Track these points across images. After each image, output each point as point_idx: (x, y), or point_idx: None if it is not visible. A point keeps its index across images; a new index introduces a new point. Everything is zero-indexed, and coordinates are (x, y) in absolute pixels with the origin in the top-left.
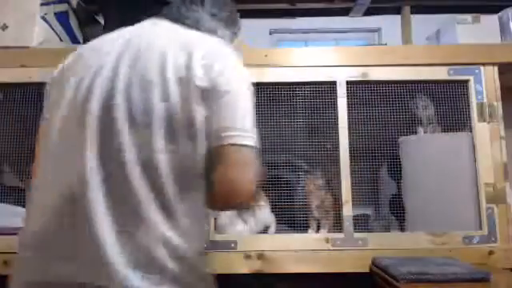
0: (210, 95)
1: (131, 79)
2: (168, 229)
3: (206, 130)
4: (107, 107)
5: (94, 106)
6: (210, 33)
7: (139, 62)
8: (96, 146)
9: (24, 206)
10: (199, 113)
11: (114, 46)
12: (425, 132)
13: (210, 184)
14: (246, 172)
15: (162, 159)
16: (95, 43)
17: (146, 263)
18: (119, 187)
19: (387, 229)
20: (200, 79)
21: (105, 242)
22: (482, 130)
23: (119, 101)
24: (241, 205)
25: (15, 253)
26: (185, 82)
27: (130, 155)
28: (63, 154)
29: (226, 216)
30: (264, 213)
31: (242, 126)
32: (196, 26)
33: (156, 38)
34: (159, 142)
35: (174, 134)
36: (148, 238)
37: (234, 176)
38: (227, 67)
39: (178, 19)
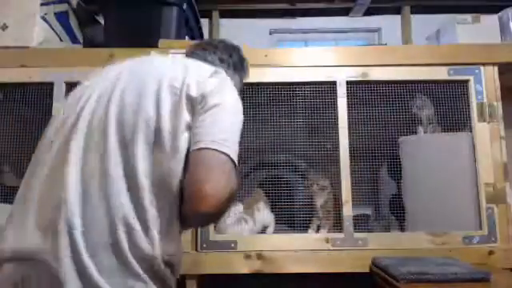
0: (199, 106)
1: (127, 86)
2: (143, 236)
3: (190, 140)
4: (102, 111)
5: (87, 110)
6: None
7: (138, 74)
8: (80, 156)
9: None
10: (185, 120)
11: (118, 67)
12: (425, 132)
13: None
14: (217, 176)
15: (143, 169)
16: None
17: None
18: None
19: (387, 229)
20: (192, 90)
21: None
22: (482, 130)
23: (113, 103)
24: (210, 212)
25: None
26: (178, 92)
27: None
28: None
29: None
30: (263, 213)
31: (222, 137)
32: (197, 53)
33: (159, 60)
34: (141, 151)
35: (159, 144)
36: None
37: (202, 178)
38: (220, 87)
39: (189, 55)
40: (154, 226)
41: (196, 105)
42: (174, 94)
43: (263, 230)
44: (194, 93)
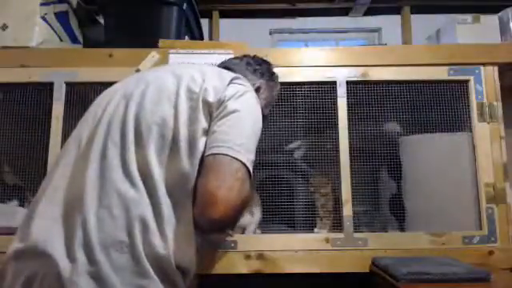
0: (217, 111)
1: (148, 88)
2: (158, 236)
3: (206, 144)
4: (122, 111)
5: (110, 109)
6: (240, 73)
7: (158, 79)
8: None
9: (23, 206)
10: (201, 125)
11: (143, 72)
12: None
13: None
14: (230, 183)
15: (158, 172)
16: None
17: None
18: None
19: (385, 229)
20: (210, 95)
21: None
22: (482, 130)
23: (132, 105)
24: (221, 219)
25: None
26: (195, 97)
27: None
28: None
29: None
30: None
31: (238, 143)
32: (230, 66)
33: (180, 67)
34: (156, 155)
35: (175, 149)
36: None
37: (214, 184)
38: (239, 93)
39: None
40: (169, 228)
41: (213, 110)
42: (191, 99)
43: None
44: (211, 98)
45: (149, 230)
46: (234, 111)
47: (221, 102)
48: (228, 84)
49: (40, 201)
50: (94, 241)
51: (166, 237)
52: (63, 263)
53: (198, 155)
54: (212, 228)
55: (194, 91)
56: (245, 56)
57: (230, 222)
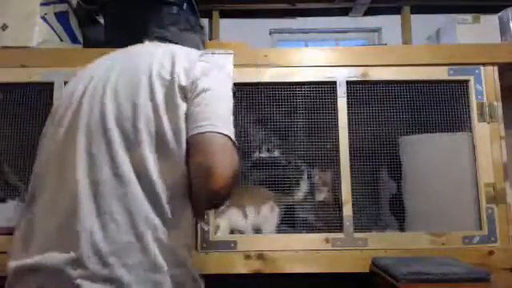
0: (190, 93)
1: (119, 81)
2: (163, 233)
3: (187, 125)
4: (97, 109)
5: (85, 108)
6: (187, 44)
7: (128, 69)
8: (86, 155)
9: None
10: (182, 110)
11: (106, 61)
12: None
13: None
14: (221, 156)
15: (153, 167)
16: (97, 61)
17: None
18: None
19: (385, 229)
20: (182, 80)
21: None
22: (482, 130)
23: (108, 102)
24: (220, 191)
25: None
26: (169, 83)
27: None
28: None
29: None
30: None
31: (219, 118)
32: (176, 40)
33: (148, 51)
34: (147, 150)
35: (163, 140)
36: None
37: (208, 160)
38: (208, 70)
39: (161, 38)
40: (173, 220)
41: (187, 92)
42: (165, 87)
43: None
44: (183, 82)
45: (155, 227)
46: (205, 90)
47: (192, 83)
48: (196, 61)
49: (38, 212)
50: (102, 248)
51: (171, 229)
52: (75, 274)
53: (185, 141)
54: (212, 199)
55: (166, 78)
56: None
57: (227, 193)
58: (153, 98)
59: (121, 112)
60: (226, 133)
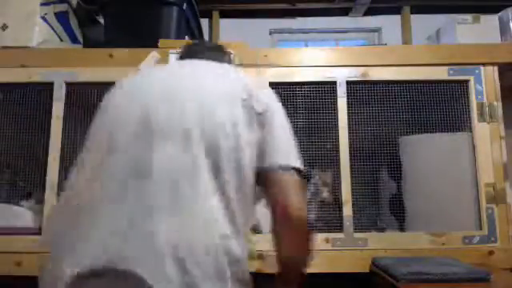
0: (263, 121)
1: (194, 107)
2: (235, 242)
3: (260, 149)
4: (177, 118)
5: (154, 114)
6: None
7: (199, 90)
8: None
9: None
10: (257, 137)
11: (161, 74)
12: None
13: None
14: (300, 197)
15: (229, 181)
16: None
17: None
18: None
19: (385, 229)
20: (258, 107)
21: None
22: (482, 130)
23: (188, 110)
24: (299, 227)
25: (28, 253)
26: (248, 110)
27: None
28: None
29: None
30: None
31: (292, 152)
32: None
33: (207, 70)
34: (226, 165)
35: (238, 153)
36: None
37: (290, 202)
38: (272, 97)
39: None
40: (241, 230)
41: (261, 120)
42: (246, 113)
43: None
44: (260, 109)
45: (227, 237)
46: (275, 119)
47: (265, 110)
48: (261, 88)
49: (98, 213)
50: (181, 253)
51: (240, 241)
52: (154, 280)
53: (252, 163)
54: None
55: (246, 104)
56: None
57: (305, 226)
58: (235, 124)
59: (204, 127)
60: (299, 167)
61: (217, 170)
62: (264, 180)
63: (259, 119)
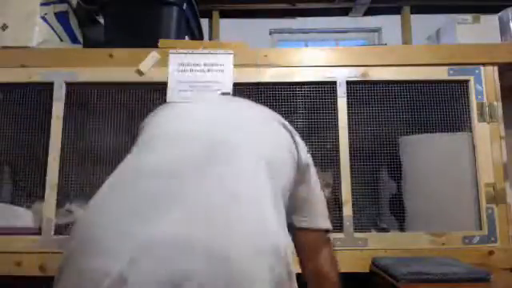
0: (304, 173)
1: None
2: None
3: (299, 200)
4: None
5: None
6: None
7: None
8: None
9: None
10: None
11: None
12: None
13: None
14: (335, 259)
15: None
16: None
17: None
18: None
19: (385, 229)
20: (301, 156)
21: None
22: (482, 130)
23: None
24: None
25: (28, 253)
26: (292, 159)
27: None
28: None
29: None
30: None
31: (326, 213)
32: None
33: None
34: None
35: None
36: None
37: (326, 266)
38: (306, 150)
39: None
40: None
41: (303, 171)
42: (294, 162)
43: None
44: (303, 159)
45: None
46: (314, 176)
47: (307, 165)
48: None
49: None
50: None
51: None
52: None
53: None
54: None
55: (291, 149)
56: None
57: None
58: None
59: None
60: (331, 228)
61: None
62: (299, 236)
63: (301, 165)
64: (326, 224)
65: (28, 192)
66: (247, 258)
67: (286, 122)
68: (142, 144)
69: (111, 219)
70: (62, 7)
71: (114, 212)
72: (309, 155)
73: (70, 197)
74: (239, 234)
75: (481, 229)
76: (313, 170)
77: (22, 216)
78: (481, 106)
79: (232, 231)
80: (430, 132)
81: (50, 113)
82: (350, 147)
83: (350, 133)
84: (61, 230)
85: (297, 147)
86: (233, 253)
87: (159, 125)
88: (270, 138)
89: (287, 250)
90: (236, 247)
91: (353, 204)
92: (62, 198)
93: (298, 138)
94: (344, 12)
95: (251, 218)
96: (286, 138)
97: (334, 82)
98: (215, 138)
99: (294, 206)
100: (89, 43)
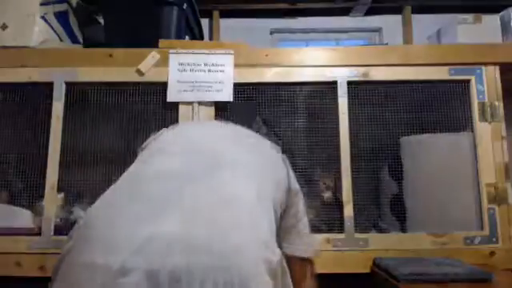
0: (292, 197)
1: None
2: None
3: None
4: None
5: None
6: None
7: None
8: None
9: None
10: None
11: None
12: None
13: None
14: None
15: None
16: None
17: None
18: None
19: (386, 229)
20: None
21: None
22: (484, 130)
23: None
24: None
25: (28, 253)
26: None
27: None
28: None
29: None
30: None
31: (311, 239)
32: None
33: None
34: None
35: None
36: None
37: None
38: (294, 177)
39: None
40: None
41: (293, 198)
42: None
43: None
44: (292, 185)
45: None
46: (301, 204)
47: (296, 193)
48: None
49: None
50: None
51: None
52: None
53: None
54: None
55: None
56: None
57: None
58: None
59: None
60: (312, 256)
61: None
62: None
63: (291, 191)
64: (308, 253)
65: (28, 192)
66: (244, 253)
67: (279, 149)
68: (143, 157)
69: (110, 220)
70: (62, 7)
71: (113, 214)
72: (298, 186)
73: (70, 197)
74: (236, 232)
75: (482, 229)
76: (302, 200)
77: (22, 216)
78: (482, 105)
79: (228, 230)
80: (431, 132)
81: (50, 113)
82: (350, 147)
83: (350, 133)
84: (61, 230)
85: (288, 174)
86: (230, 249)
87: (161, 143)
88: (264, 159)
89: (277, 249)
90: (232, 244)
91: (354, 204)
92: (62, 198)
93: (289, 167)
94: (345, 12)
95: (245, 219)
96: (278, 164)
97: (335, 82)
98: (215, 153)
99: (281, 231)
100: (89, 43)
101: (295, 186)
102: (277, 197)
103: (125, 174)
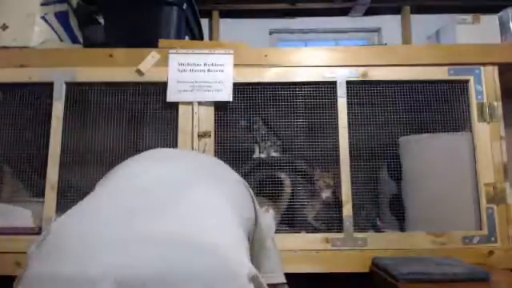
0: (258, 225)
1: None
2: None
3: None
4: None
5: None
6: None
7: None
8: None
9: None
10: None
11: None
12: (261, 152)
13: None
14: None
15: None
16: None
17: None
18: None
19: (385, 229)
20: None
21: None
22: (482, 130)
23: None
24: None
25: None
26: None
27: None
28: None
29: None
30: (268, 217)
31: (280, 266)
32: None
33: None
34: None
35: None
36: None
37: None
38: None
39: None
40: None
41: (259, 232)
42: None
43: None
44: (260, 219)
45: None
46: (270, 234)
47: (260, 223)
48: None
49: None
50: None
51: None
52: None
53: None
54: None
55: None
56: None
57: None
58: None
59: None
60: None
61: None
62: None
63: (258, 224)
64: (279, 279)
65: (28, 192)
66: (227, 251)
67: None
68: (108, 179)
69: (79, 231)
70: (62, 7)
71: (81, 224)
72: (268, 218)
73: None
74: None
75: (481, 229)
76: (272, 233)
77: (22, 216)
78: (481, 105)
79: (206, 230)
80: (430, 132)
81: (50, 113)
82: (350, 147)
83: (350, 133)
84: None
85: (255, 207)
86: (213, 247)
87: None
88: (232, 191)
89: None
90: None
91: (353, 204)
92: (62, 198)
93: (255, 201)
94: (344, 12)
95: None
96: (245, 200)
97: (334, 82)
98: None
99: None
100: (89, 43)
101: (264, 220)
102: (246, 229)
103: (99, 188)
